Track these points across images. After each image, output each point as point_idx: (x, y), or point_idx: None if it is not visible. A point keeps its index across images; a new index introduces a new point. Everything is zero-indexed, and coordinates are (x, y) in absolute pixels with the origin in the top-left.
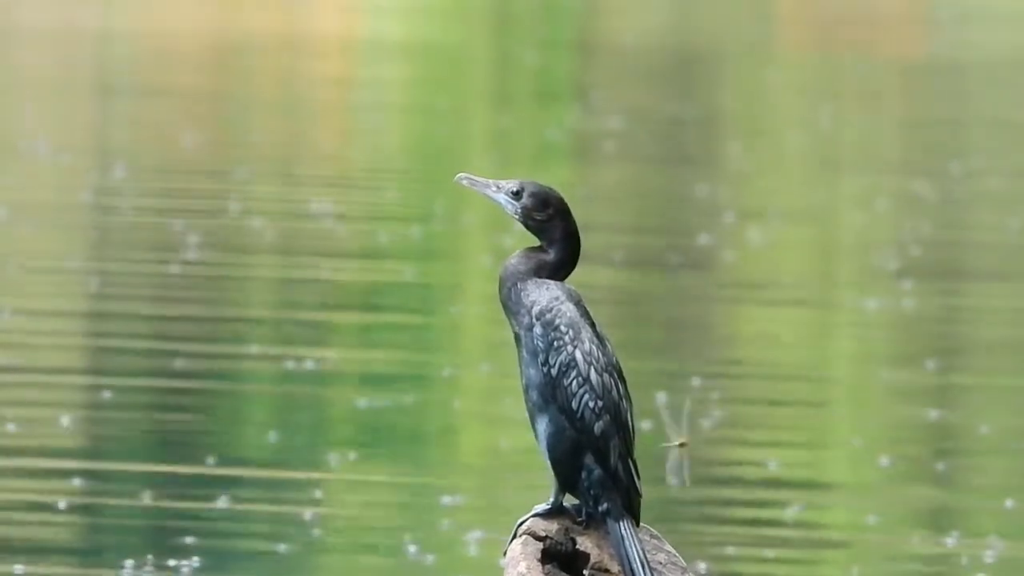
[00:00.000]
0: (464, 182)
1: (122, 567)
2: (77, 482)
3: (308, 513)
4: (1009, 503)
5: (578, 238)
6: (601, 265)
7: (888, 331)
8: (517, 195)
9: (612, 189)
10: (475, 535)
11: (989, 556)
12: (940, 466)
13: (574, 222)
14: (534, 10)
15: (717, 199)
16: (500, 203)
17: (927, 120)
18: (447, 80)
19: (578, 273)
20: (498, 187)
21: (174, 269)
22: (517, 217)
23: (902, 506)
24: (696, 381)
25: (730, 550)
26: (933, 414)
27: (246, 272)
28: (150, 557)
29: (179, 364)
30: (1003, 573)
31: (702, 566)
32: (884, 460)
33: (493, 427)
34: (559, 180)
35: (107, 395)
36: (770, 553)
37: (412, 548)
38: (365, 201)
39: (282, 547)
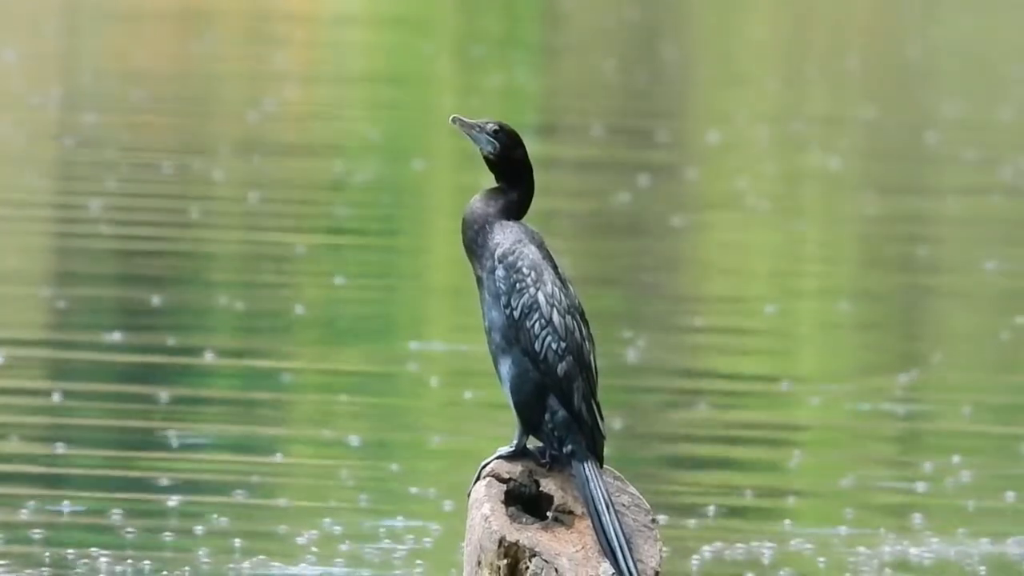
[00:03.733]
0: (457, 124)
1: (86, 455)
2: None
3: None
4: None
5: (533, 175)
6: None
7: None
8: (497, 133)
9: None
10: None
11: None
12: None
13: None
14: None
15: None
16: (481, 143)
17: (894, 54)
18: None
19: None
20: (480, 128)
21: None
22: (493, 156)
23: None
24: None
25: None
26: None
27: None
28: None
29: (145, 254)
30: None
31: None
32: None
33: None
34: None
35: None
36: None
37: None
38: (329, 132)
39: (246, 433)
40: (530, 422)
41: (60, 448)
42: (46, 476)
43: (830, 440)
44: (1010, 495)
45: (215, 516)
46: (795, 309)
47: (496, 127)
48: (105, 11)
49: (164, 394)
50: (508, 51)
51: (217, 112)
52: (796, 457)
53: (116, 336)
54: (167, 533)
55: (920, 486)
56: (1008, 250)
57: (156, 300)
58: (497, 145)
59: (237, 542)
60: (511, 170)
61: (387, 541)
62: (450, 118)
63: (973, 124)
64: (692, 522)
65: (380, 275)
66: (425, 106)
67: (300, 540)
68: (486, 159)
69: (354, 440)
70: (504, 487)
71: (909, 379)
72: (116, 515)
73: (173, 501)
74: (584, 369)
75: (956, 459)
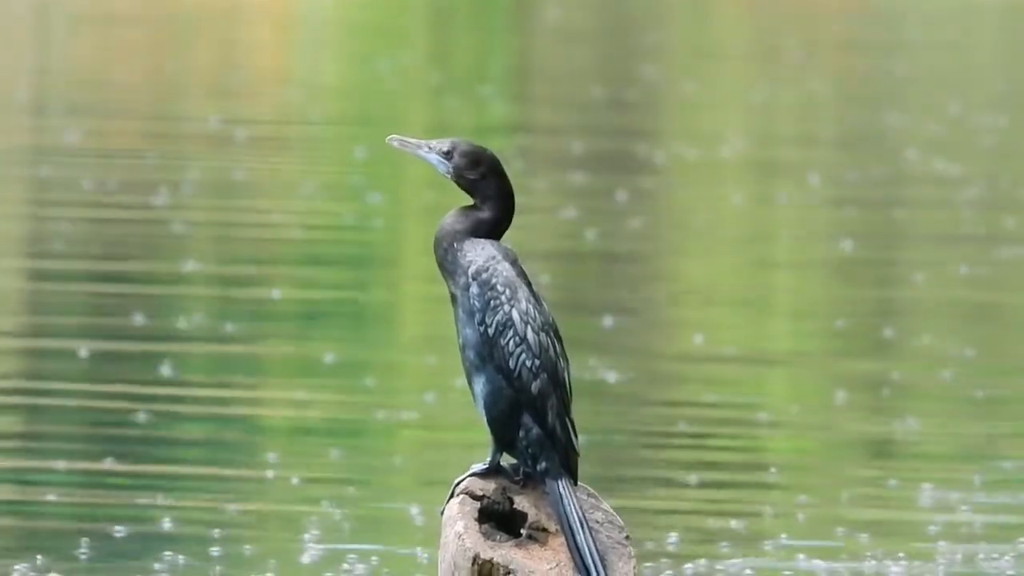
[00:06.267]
0: (395, 144)
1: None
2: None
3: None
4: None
5: (512, 196)
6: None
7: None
8: (448, 155)
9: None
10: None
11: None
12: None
13: (508, 180)
14: None
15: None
16: (432, 163)
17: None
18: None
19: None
20: (429, 147)
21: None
22: (449, 176)
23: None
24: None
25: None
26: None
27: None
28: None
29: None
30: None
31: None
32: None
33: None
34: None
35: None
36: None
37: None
38: (299, 147)
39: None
40: (504, 439)
41: (30, 491)
42: (18, 513)
43: (807, 460)
44: (979, 515)
45: (195, 546)
46: (770, 331)
47: (447, 147)
48: (75, 16)
49: (137, 429)
50: (481, 69)
51: (189, 135)
52: (774, 475)
53: (84, 367)
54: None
55: (896, 507)
56: (979, 265)
57: (126, 333)
58: (449, 166)
59: (220, 569)
60: (475, 189)
61: (360, 560)
62: (387, 138)
63: (948, 141)
64: (667, 538)
65: (352, 304)
66: (397, 121)
67: (277, 563)
68: (447, 178)
69: (326, 457)
70: (478, 504)
71: (884, 400)
72: (84, 554)
73: (148, 540)
74: (558, 386)
75: (931, 482)
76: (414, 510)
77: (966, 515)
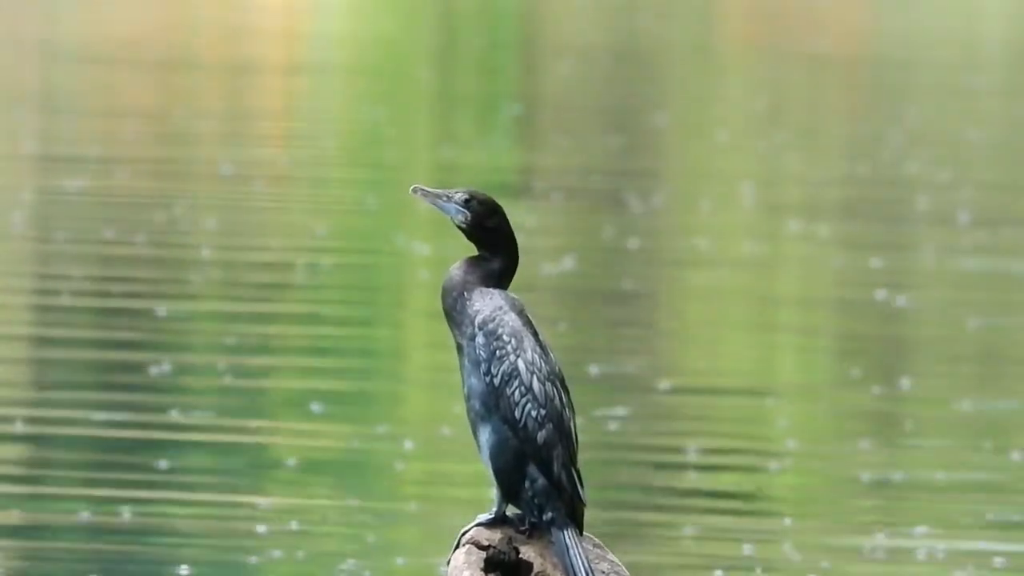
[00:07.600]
0: (418, 194)
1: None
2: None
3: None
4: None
5: (516, 244)
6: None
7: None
8: (468, 203)
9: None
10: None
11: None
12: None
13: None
14: (476, 11)
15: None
16: (451, 212)
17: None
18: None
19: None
20: (448, 197)
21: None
22: (465, 225)
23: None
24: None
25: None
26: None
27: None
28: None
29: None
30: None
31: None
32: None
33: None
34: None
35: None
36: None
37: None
38: (305, 191)
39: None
40: (510, 490)
41: (36, 532)
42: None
43: (811, 502)
44: (990, 550)
45: None
46: (777, 368)
47: (466, 196)
48: (79, 56)
49: (141, 467)
50: (487, 109)
51: (193, 173)
52: (782, 515)
53: (94, 407)
54: None
55: (902, 547)
56: (988, 307)
57: (133, 371)
58: (468, 215)
59: None
60: (488, 239)
61: None
62: (411, 188)
63: (958, 182)
64: None
65: (359, 346)
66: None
67: None
68: (460, 228)
69: (332, 508)
70: (484, 554)
71: (889, 439)
72: None
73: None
74: (564, 436)
75: (938, 520)
76: (423, 560)
77: (977, 554)
